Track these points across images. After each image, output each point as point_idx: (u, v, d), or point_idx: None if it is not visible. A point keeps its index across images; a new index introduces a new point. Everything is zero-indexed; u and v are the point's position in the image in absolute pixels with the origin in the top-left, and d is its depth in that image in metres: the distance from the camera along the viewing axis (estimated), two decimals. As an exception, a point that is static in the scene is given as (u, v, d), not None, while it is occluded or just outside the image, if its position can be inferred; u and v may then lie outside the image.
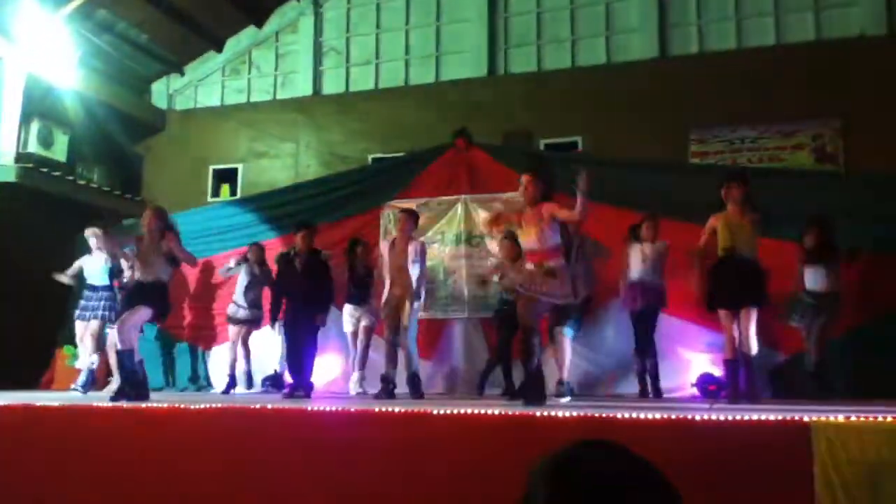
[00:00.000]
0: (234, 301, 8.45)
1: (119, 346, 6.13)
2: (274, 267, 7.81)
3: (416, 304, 6.78)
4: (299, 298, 6.96)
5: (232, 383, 8.27)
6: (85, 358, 8.01)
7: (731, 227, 5.61)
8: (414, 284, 6.73)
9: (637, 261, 7.02)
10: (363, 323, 7.85)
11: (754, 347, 5.52)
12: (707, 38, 11.13)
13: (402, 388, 6.93)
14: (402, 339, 6.78)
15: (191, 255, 6.49)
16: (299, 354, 7.01)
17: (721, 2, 11.10)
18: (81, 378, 7.91)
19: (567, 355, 6.64)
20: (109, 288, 8.11)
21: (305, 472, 4.14)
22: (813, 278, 6.68)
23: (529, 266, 5.28)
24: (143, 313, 6.13)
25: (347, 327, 7.94)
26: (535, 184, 5.33)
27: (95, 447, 4.69)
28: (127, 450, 4.60)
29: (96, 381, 8.28)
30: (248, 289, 8.36)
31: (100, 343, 8.05)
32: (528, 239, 5.31)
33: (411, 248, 6.81)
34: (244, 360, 8.38)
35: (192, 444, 4.53)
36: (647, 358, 6.96)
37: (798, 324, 6.73)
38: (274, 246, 8.78)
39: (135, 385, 5.97)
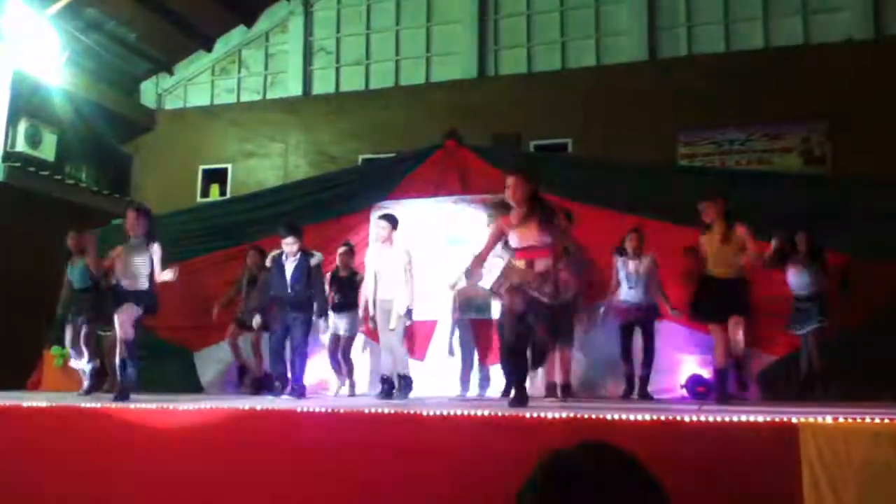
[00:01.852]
0: (241, 307, 8.20)
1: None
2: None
3: (405, 308, 6.73)
4: (289, 300, 6.86)
5: (243, 382, 8.13)
6: (83, 362, 7.74)
7: (716, 246, 5.84)
8: (405, 289, 6.69)
9: (625, 280, 7.07)
10: (342, 333, 7.67)
11: (740, 348, 5.89)
12: (696, 41, 11.20)
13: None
14: (387, 340, 6.77)
15: (167, 271, 6.03)
16: (285, 356, 6.91)
17: (710, 5, 11.18)
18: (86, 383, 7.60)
19: (571, 364, 6.72)
20: (89, 290, 7.93)
21: (296, 473, 4.13)
22: (799, 282, 6.76)
23: (520, 264, 5.26)
24: (131, 311, 6.05)
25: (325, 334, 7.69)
26: (524, 184, 5.27)
27: (86, 448, 4.67)
28: (116, 451, 4.58)
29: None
30: (250, 293, 8.13)
31: (93, 346, 7.89)
32: (520, 237, 5.27)
33: (396, 254, 6.77)
34: (258, 366, 8.13)
35: (181, 445, 4.51)
36: (644, 366, 7.06)
37: (796, 331, 6.78)
38: (264, 246, 8.71)
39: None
